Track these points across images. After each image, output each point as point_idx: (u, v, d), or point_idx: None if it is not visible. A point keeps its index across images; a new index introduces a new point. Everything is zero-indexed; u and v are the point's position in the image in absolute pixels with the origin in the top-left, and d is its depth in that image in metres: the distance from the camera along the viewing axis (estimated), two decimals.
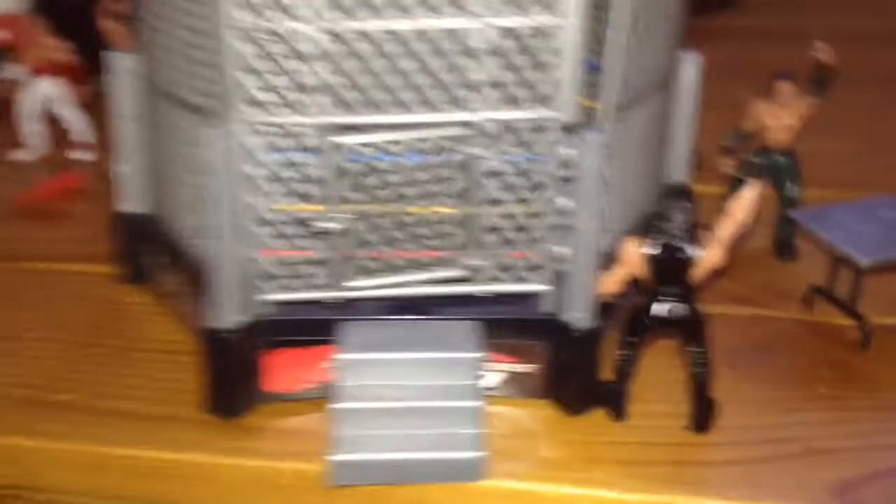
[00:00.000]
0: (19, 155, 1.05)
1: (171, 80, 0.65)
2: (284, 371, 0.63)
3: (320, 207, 0.60)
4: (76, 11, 1.04)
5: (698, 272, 0.59)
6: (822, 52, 0.79)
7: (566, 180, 0.59)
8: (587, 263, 0.60)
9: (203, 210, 0.59)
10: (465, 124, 0.58)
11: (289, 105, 0.58)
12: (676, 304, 0.60)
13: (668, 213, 0.59)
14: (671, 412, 0.63)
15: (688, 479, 0.59)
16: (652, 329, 0.61)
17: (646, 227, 0.60)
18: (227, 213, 0.59)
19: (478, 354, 0.60)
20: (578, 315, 0.61)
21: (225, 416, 0.62)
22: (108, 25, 0.98)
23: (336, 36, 0.56)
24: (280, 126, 0.58)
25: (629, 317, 0.62)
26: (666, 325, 0.61)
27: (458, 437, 0.58)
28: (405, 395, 0.59)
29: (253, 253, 0.60)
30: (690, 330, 0.61)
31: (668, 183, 0.75)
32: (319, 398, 0.62)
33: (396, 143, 0.59)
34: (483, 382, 0.61)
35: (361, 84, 0.58)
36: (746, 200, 0.58)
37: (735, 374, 0.67)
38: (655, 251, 0.59)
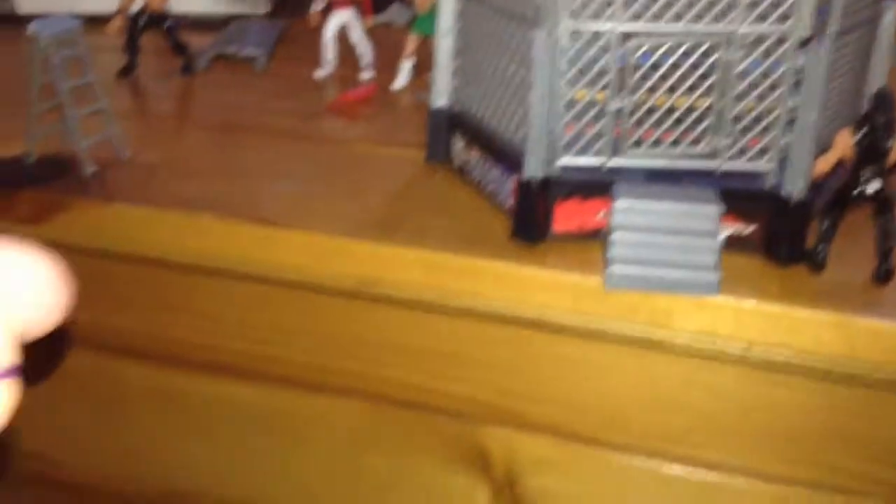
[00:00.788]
0: (319, 73, 1.33)
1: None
2: (571, 216, 0.86)
3: (608, 95, 0.83)
4: None
5: (892, 158, 0.79)
6: None
7: (797, 83, 0.80)
8: (807, 150, 0.81)
9: (524, 96, 0.83)
10: (726, 34, 0.80)
11: (595, 15, 0.81)
12: (874, 182, 0.80)
13: (873, 111, 0.79)
14: (859, 268, 0.83)
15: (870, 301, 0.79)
16: (852, 202, 0.81)
17: (855, 122, 0.81)
18: (543, 98, 0.82)
19: (718, 207, 0.81)
20: (796, 190, 0.82)
21: (526, 240, 0.86)
22: None
23: None
24: (587, 32, 0.81)
25: (835, 192, 0.82)
26: (863, 199, 0.80)
27: (701, 263, 0.80)
28: (664, 231, 0.81)
29: (557, 127, 0.84)
30: (882, 203, 0.80)
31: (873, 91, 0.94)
32: (595, 238, 0.85)
33: (672, 47, 0.81)
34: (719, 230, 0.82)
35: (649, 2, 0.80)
36: None
37: None
38: (862, 140, 0.79)
